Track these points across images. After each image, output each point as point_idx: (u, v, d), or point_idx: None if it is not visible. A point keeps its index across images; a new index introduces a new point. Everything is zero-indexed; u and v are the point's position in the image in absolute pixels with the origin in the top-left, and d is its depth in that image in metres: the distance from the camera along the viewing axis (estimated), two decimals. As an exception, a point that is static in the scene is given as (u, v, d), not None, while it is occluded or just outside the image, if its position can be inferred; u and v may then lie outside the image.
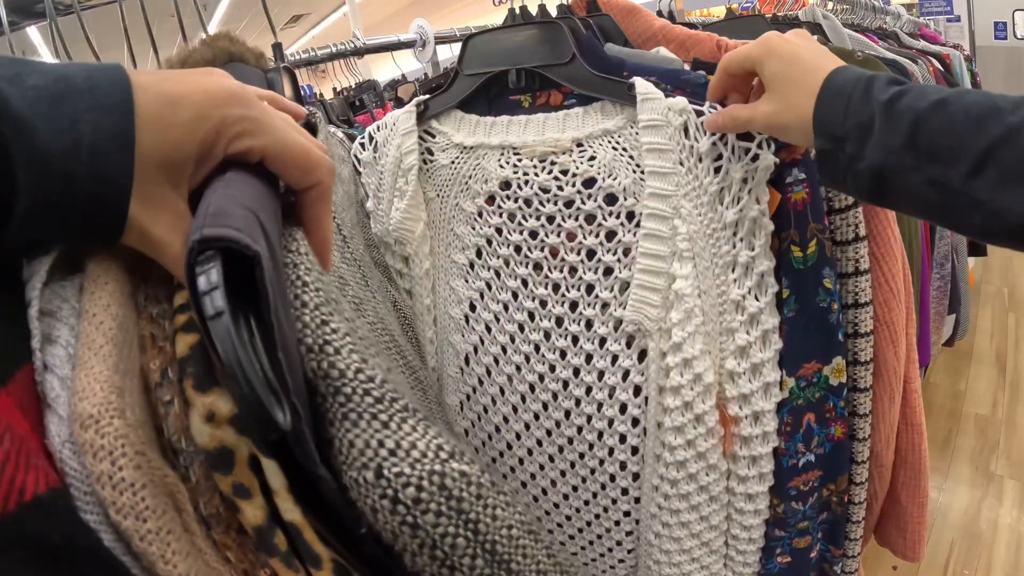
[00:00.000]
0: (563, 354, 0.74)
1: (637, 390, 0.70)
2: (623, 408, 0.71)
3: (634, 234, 0.68)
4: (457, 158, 0.78)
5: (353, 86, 1.59)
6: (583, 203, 0.70)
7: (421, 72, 1.64)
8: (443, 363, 0.82)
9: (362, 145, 0.83)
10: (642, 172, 0.66)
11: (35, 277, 0.28)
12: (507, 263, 0.76)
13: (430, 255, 0.81)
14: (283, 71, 0.73)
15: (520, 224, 0.74)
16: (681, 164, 0.64)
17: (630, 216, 0.68)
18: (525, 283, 0.75)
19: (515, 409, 0.79)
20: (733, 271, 0.65)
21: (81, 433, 0.23)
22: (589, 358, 0.72)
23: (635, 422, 0.71)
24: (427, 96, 0.80)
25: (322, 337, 0.28)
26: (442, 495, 0.27)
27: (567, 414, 0.75)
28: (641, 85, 0.65)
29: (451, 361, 0.82)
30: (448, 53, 1.98)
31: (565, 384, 0.74)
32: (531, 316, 0.76)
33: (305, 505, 0.28)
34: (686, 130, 0.64)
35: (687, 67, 0.71)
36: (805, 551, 0.77)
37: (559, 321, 0.74)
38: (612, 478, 0.75)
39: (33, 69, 0.26)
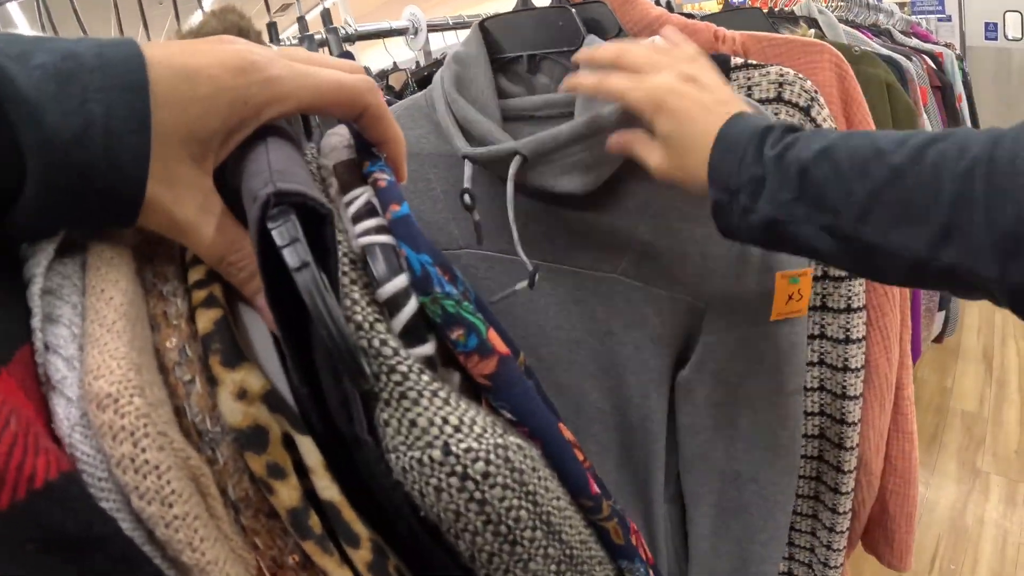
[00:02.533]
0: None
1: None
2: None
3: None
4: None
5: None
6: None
7: (413, 61, 1.62)
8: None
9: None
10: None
11: (40, 254, 0.26)
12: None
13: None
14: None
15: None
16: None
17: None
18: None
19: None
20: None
21: (98, 414, 0.22)
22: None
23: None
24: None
25: (372, 315, 0.27)
26: (507, 468, 0.26)
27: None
28: None
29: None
30: (440, 42, 1.96)
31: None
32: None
33: (354, 484, 0.27)
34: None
35: None
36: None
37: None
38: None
39: (40, 47, 0.24)
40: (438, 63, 1.38)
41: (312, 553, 0.25)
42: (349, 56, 1.06)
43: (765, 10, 1.59)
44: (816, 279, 0.68)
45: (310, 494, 0.26)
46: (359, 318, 0.27)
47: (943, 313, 1.79)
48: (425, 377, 0.27)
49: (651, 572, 0.36)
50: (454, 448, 0.26)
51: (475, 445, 0.26)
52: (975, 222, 0.38)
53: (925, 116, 1.57)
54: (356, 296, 0.27)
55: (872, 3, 2.10)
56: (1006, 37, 5.19)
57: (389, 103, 1.16)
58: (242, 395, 0.25)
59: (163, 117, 0.26)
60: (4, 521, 0.18)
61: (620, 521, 0.34)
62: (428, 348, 0.28)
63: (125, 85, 0.25)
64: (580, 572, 0.31)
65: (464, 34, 1.53)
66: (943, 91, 2.00)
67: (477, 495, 0.26)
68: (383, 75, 1.59)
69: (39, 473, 0.19)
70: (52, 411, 0.23)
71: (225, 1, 0.40)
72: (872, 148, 0.43)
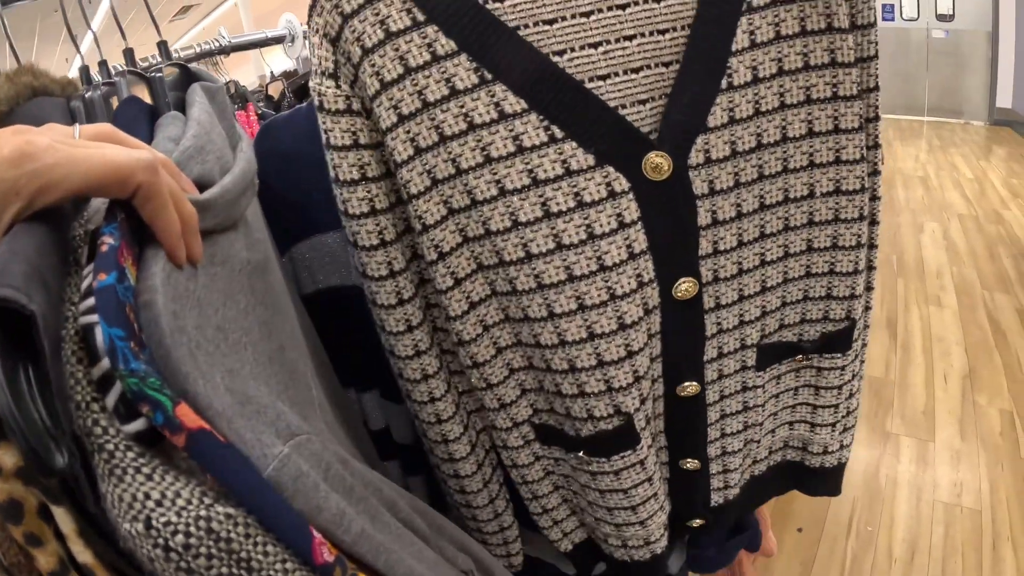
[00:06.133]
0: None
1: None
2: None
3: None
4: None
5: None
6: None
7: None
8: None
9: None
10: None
11: None
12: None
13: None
14: (133, 78, 0.67)
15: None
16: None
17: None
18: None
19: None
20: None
21: None
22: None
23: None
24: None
25: (90, 394, 0.29)
26: (210, 538, 0.28)
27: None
28: None
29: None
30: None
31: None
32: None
33: (112, 547, 0.29)
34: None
35: None
36: None
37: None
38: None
39: None
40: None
41: None
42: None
43: None
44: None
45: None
46: (79, 397, 0.29)
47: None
48: (131, 454, 0.28)
49: None
50: (155, 522, 0.27)
51: (175, 519, 0.28)
52: None
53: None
54: (80, 375, 0.29)
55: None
56: (902, 18, 5.50)
57: (264, 116, 1.13)
58: None
59: None
60: None
61: None
62: (139, 424, 0.29)
63: None
64: None
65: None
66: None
67: (183, 565, 0.27)
68: (263, 85, 1.55)
69: None
70: None
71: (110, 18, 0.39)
72: None
